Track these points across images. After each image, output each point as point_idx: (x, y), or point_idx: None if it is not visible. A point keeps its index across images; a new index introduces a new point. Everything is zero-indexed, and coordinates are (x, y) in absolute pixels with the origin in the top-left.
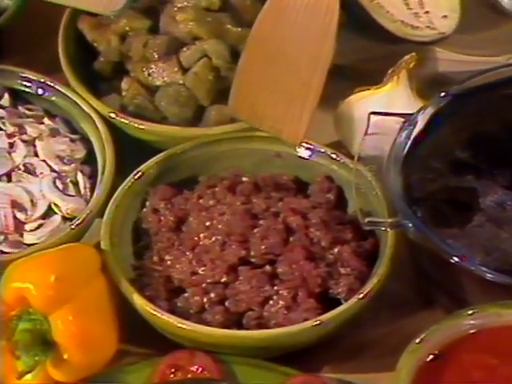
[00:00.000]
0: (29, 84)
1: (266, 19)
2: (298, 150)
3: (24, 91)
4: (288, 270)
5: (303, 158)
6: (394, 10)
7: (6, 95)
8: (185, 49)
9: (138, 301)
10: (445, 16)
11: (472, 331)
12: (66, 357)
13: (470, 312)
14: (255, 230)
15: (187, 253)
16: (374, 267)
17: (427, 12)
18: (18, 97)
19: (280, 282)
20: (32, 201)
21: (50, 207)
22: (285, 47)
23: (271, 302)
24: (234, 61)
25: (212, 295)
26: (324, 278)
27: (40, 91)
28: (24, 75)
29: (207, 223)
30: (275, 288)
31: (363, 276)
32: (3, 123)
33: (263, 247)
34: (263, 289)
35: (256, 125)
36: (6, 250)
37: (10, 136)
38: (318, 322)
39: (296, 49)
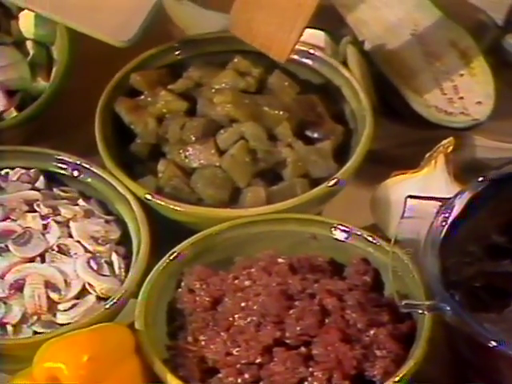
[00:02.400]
0: (64, 166)
1: None
2: (333, 232)
3: (59, 173)
4: (323, 352)
5: (339, 240)
6: (428, 95)
7: (41, 178)
8: (222, 131)
9: (172, 381)
10: (479, 102)
11: None
12: None
13: None
14: (291, 311)
15: (222, 333)
16: (411, 350)
17: (461, 98)
18: (53, 179)
19: (315, 363)
20: (66, 281)
21: (84, 287)
22: None
23: (306, 383)
24: (271, 143)
25: (246, 376)
26: (359, 360)
27: (75, 173)
28: (60, 157)
29: (242, 304)
30: (310, 369)
31: (399, 359)
32: (38, 205)
33: (298, 328)
34: (298, 370)
35: (249, 41)
36: (38, 330)
37: (43, 217)
38: None
39: None
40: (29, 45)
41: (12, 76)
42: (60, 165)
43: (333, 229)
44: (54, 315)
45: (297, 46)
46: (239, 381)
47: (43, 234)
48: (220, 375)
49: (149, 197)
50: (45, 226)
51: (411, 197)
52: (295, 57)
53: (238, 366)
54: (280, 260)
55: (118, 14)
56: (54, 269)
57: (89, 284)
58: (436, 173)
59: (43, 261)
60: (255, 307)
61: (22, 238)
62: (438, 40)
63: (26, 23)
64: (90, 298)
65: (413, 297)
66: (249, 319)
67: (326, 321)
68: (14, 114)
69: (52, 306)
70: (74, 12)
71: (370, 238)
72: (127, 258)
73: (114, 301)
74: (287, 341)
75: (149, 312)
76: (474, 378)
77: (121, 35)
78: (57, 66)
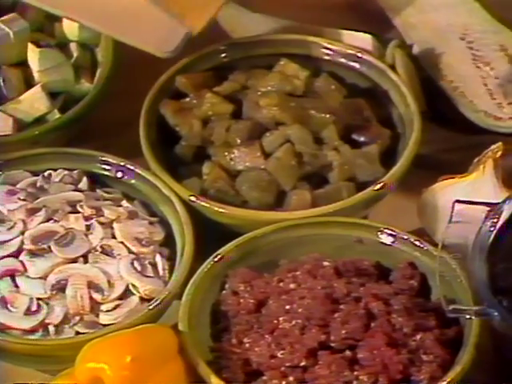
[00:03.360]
0: (108, 167)
1: None
2: (380, 236)
3: (103, 175)
4: (369, 356)
5: (385, 244)
6: (477, 100)
7: (84, 179)
8: (267, 134)
9: (216, 383)
10: None
11: None
12: None
13: None
14: (336, 315)
15: (266, 336)
16: (458, 355)
17: (511, 103)
18: (96, 180)
19: (360, 367)
20: (109, 282)
21: (127, 288)
22: None
23: None
24: (316, 147)
25: (291, 379)
26: (405, 364)
27: (119, 174)
28: (104, 159)
29: (287, 307)
30: (355, 373)
31: (446, 364)
32: (81, 206)
33: (344, 332)
34: (343, 374)
35: (164, 9)
36: (81, 330)
37: (87, 218)
38: None
39: None
40: (72, 47)
41: (55, 78)
42: (104, 166)
43: (379, 233)
44: (97, 316)
45: (344, 49)
46: (283, 383)
47: (86, 235)
48: (264, 378)
49: (193, 199)
50: (88, 227)
51: (459, 201)
52: (342, 60)
53: (283, 368)
54: (325, 263)
55: (161, 24)
56: (98, 269)
57: (132, 285)
58: (484, 178)
59: (86, 261)
60: (300, 310)
61: (64, 239)
62: (488, 45)
63: (70, 25)
64: (134, 299)
65: (460, 302)
66: (293, 322)
67: (372, 325)
68: (57, 115)
69: (95, 306)
70: (118, 23)
71: (417, 243)
72: (171, 259)
73: (158, 302)
74: (332, 344)
75: (192, 314)
76: None
77: (165, 46)
78: (101, 68)
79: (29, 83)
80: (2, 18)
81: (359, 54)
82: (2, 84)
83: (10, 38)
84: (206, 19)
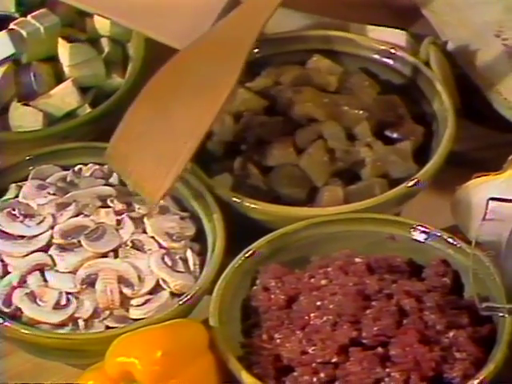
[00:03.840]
0: None
1: (167, 76)
2: (412, 233)
3: None
4: (401, 353)
5: (418, 241)
6: None
7: (115, 174)
8: (300, 130)
9: (247, 379)
10: None
11: None
12: None
13: None
14: (367, 312)
15: (297, 332)
16: (491, 353)
17: None
18: None
19: (392, 364)
20: (139, 276)
21: (157, 283)
22: (172, 110)
23: None
24: (349, 143)
25: (322, 375)
26: (438, 362)
27: None
28: None
29: (318, 303)
30: (387, 370)
31: (479, 362)
32: (111, 201)
33: (375, 329)
34: (374, 370)
35: (124, 176)
36: (111, 324)
37: (118, 213)
38: None
39: (180, 115)
40: (104, 42)
41: (86, 73)
42: None
43: (412, 229)
44: (127, 310)
45: (378, 46)
46: (314, 380)
47: (117, 230)
48: (295, 374)
49: (225, 194)
50: (118, 222)
51: (493, 199)
52: (376, 56)
53: (314, 364)
54: (357, 260)
55: (186, 19)
56: (128, 264)
57: (163, 280)
58: None
59: (116, 256)
60: (331, 306)
61: (94, 234)
62: None
63: (101, 21)
64: (164, 294)
65: (493, 300)
66: (325, 318)
67: (404, 322)
68: (88, 110)
69: (125, 301)
70: (145, 18)
71: (451, 240)
72: (202, 254)
73: (188, 297)
74: (364, 341)
75: (223, 309)
76: None
77: (189, 40)
78: (132, 63)
79: (59, 78)
80: (33, 14)
81: (393, 51)
82: (32, 79)
83: (40, 33)
84: (163, 191)
